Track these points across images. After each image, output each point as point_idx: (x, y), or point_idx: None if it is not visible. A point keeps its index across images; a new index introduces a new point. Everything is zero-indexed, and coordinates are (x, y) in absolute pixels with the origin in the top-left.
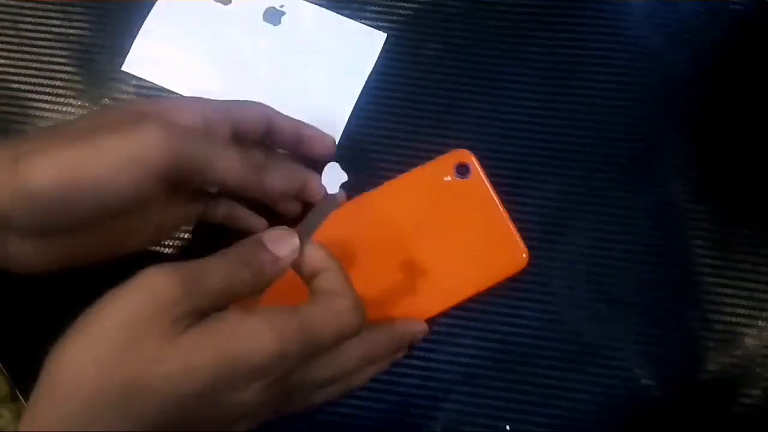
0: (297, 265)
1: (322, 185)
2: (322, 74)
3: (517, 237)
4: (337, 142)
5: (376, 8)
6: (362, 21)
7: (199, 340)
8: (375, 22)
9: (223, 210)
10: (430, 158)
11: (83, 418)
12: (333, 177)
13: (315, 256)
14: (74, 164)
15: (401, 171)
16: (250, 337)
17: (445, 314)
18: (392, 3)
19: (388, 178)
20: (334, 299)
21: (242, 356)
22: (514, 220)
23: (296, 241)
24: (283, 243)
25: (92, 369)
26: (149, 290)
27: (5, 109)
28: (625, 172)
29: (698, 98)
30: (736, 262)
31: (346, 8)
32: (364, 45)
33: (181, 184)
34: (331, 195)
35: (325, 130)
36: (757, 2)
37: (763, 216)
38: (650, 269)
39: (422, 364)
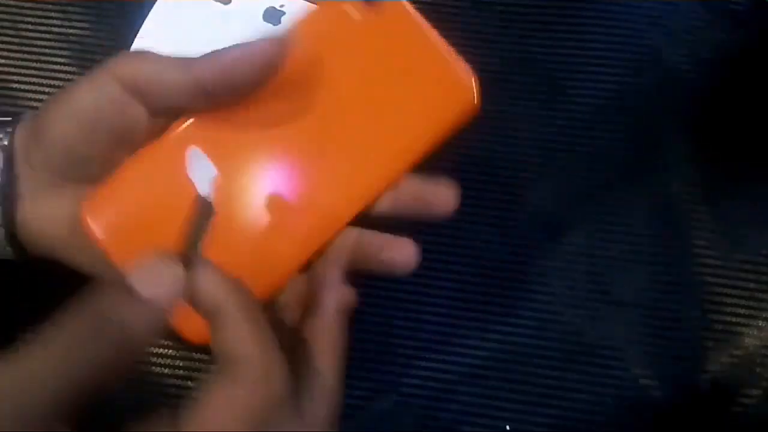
0: (193, 300)
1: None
2: None
3: (460, 63)
4: None
5: None
6: None
7: None
8: None
9: None
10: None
11: None
12: (200, 171)
13: (208, 287)
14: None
15: None
16: None
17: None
18: None
19: None
20: (232, 374)
21: None
22: (513, 216)
23: (174, 270)
24: (154, 278)
25: None
26: None
27: (5, 109)
28: (625, 172)
29: (698, 98)
30: (736, 262)
31: None
32: None
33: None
34: (205, 200)
35: None
36: (757, 2)
37: (763, 216)
38: (650, 269)
39: (422, 364)
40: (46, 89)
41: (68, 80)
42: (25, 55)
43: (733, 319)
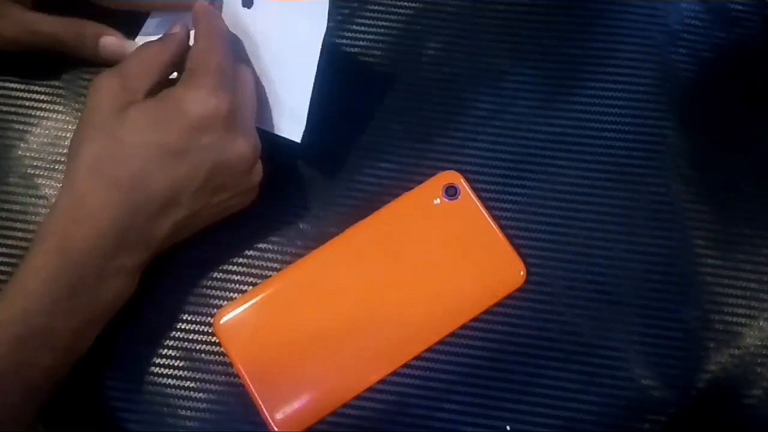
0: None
1: None
2: (276, 58)
3: (514, 254)
4: (303, 128)
5: (377, 7)
6: (362, 20)
7: (144, 105)
8: (375, 22)
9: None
10: (432, 158)
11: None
12: None
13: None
14: None
15: (403, 172)
16: (192, 98)
17: (444, 340)
18: (393, 2)
19: (390, 179)
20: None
21: (187, 109)
22: (513, 223)
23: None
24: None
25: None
26: (98, 91)
27: (5, 108)
28: (625, 171)
29: (698, 98)
30: (736, 262)
31: (346, 7)
32: (308, 17)
33: None
34: None
35: (288, 117)
36: (757, 2)
37: (763, 216)
38: (650, 269)
39: (422, 364)
40: (46, 89)
41: (68, 80)
42: (26, 55)
43: (733, 319)
